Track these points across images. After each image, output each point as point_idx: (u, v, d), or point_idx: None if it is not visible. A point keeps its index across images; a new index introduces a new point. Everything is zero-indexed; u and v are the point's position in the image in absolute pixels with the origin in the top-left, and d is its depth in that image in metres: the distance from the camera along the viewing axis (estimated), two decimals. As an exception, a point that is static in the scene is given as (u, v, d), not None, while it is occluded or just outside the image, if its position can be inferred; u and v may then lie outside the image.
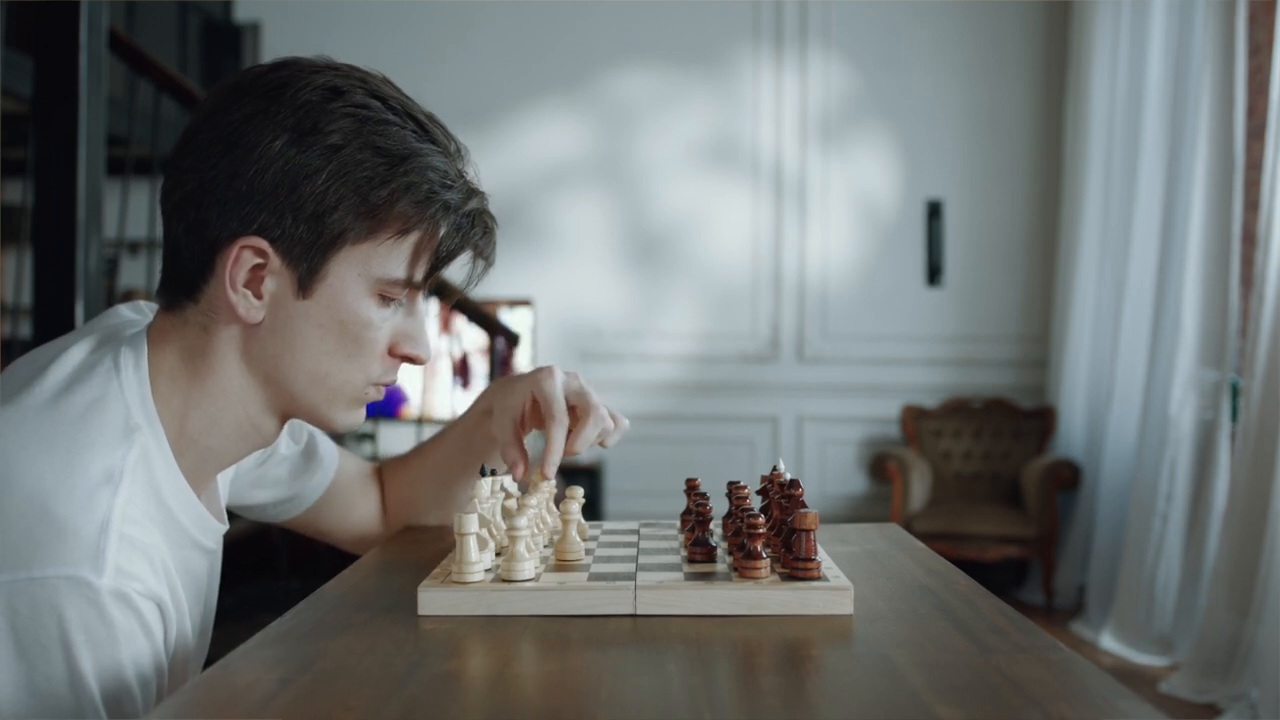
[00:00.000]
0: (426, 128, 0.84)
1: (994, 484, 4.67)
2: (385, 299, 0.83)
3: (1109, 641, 3.69)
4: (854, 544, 1.03)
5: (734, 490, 0.92)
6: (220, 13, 5.13)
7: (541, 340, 5.02)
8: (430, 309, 0.88)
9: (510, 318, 4.81)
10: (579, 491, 0.90)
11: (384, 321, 0.84)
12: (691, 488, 0.95)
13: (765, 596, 0.75)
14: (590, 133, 4.96)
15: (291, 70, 0.80)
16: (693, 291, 5.03)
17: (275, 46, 5.14)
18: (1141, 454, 3.77)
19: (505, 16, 5.04)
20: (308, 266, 0.80)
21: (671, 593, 0.76)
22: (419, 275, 0.83)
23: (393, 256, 0.81)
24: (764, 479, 0.94)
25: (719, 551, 0.85)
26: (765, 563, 0.78)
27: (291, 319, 0.81)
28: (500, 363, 3.66)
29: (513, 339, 3.38)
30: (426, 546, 1.03)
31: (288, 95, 0.78)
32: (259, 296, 0.80)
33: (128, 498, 0.74)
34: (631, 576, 0.79)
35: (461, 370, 4.51)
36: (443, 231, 0.83)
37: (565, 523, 0.86)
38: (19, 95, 2.80)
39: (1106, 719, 0.55)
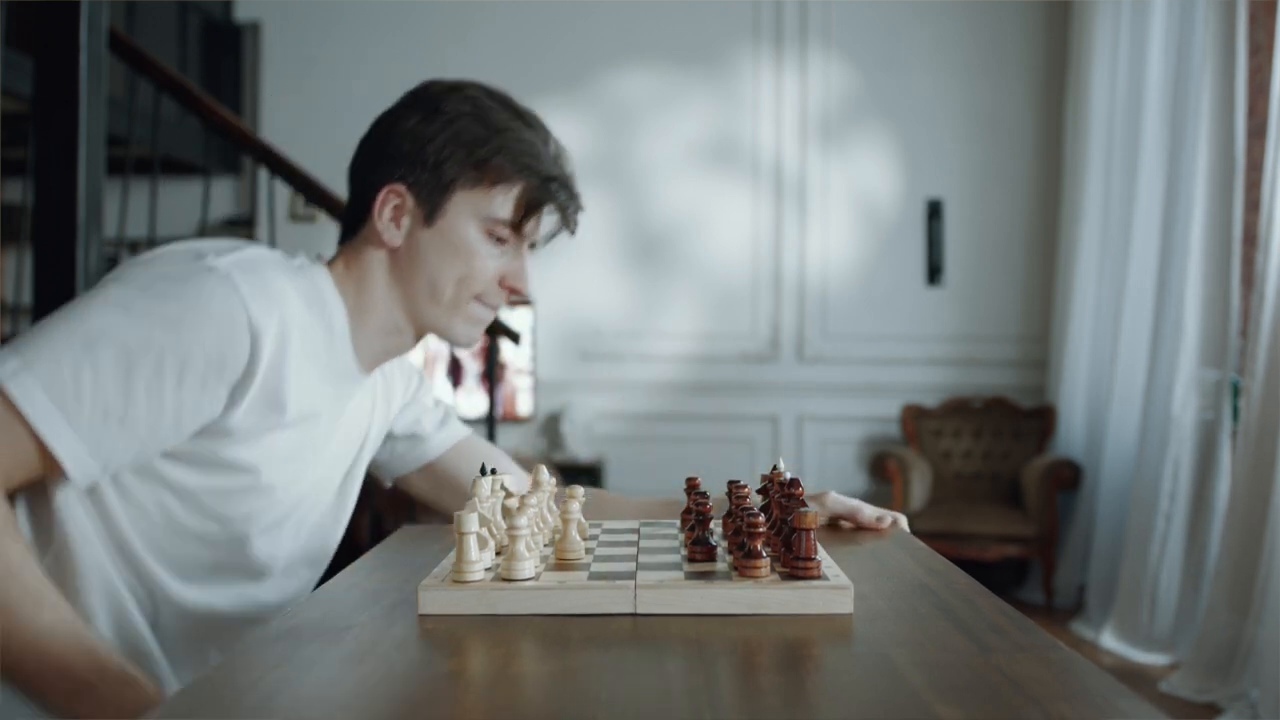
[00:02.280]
0: (523, 114, 1.13)
1: (994, 484, 4.67)
2: (492, 237, 1.11)
3: (1109, 641, 3.69)
4: (854, 543, 1.03)
5: (734, 490, 0.92)
6: (220, 13, 5.13)
7: (541, 340, 5.02)
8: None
9: (510, 317, 4.81)
10: (579, 491, 0.90)
11: (491, 256, 1.11)
12: (692, 487, 0.95)
13: (765, 596, 0.75)
14: (590, 133, 4.96)
15: (431, 81, 1.15)
16: (693, 291, 5.03)
17: (275, 46, 5.14)
18: (1142, 454, 3.77)
19: (505, 16, 5.04)
20: (431, 204, 1.09)
21: (672, 592, 0.76)
22: (516, 217, 1.10)
23: (495, 202, 1.10)
24: (764, 478, 0.94)
25: (719, 551, 0.85)
26: (765, 562, 0.78)
27: (419, 244, 1.10)
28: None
29: (513, 338, 3.38)
30: (426, 546, 1.03)
31: (422, 93, 1.13)
32: (398, 226, 1.11)
33: (294, 293, 1.04)
34: (632, 576, 0.79)
35: (454, 370, 4.51)
36: (533, 184, 1.10)
37: (565, 522, 0.86)
38: (19, 95, 2.80)
39: (1106, 718, 0.55)
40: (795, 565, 0.77)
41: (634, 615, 0.75)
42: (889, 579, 0.87)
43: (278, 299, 1.01)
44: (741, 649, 0.68)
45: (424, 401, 1.33)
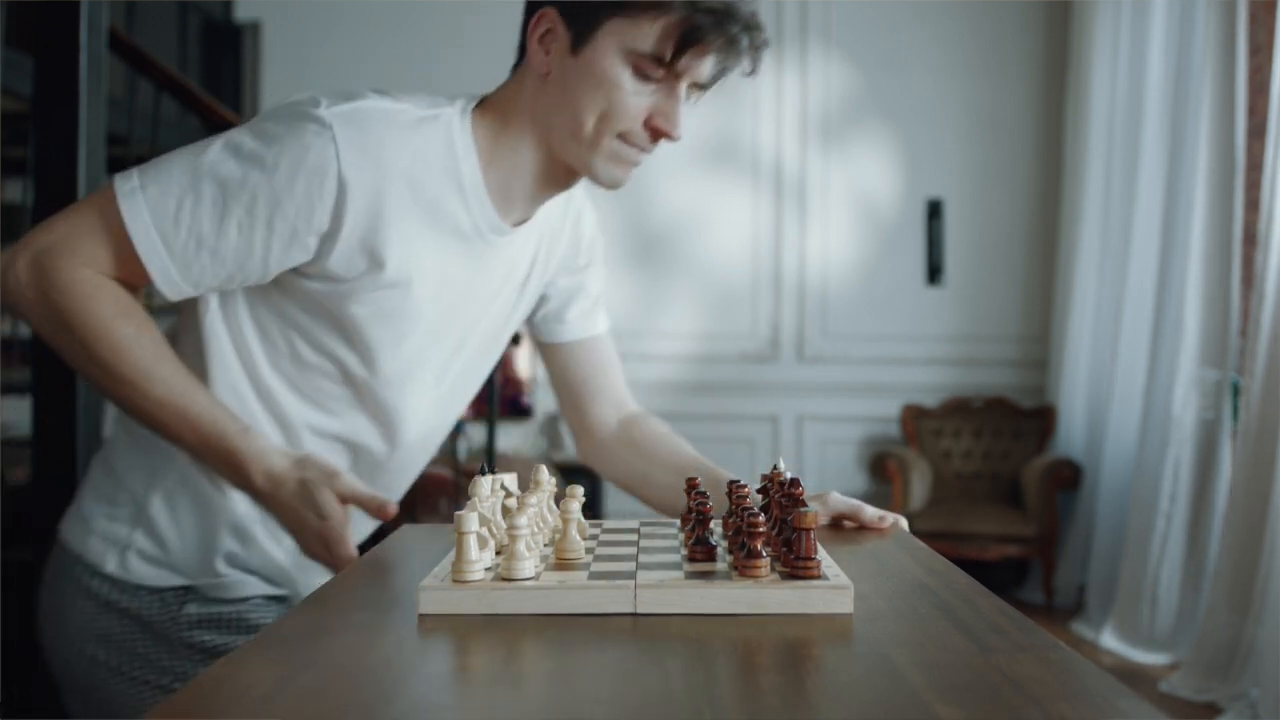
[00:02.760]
0: None
1: (994, 483, 4.67)
2: (640, 73, 1.03)
3: (1109, 641, 3.69)
4: (854, 543, 1.03)
5: (734, 489, 0.91)
6: (220, 12, 5.13)
7: (542, 340, 5.02)
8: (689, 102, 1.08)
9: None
10: (579, 490, 0.90)
11: (637, 93, 1.03)
12: (692, 486, 0.95)
13: (765, 595, 0.75)
14: (590, 132, 4.96)
15: None
16: (693, 291, 5.03)
17: (275, 46, 5.14)
18: (1142, 453, 3.76)
19: (505, 16, 5.03)
20: (578, 31, 1.03)
21: (672, 591, 0.76)
22: (667, 54, 1.01)
23: (645, 34, 1.01)
24: (764, 478, 0.94)
25: (719, 550, 0.85)
26: (765, 562, 0.78)
27: (566, 73, 1.05)
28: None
29: (513, 338, 3.38)
30: (426, 546, 1.03)
31: None
32: (547, 53, 1.06)
33: (406, 148, 1.05)
34: (632, 575, 0.79)
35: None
36: (685, 16, 0.99)
37: (565, 521, 0.86)
38: (19, 95, 2.80)
39: (1106, 718, 0.55)
40: (795, 565, 0.77)
41: (634, 615, 0.75)
42: (889, 579, 0.87)
43: (375, 152, 1.02)
44: (741, 649, 0.68)
45: (586, 281, 1.34)
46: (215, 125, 2.72)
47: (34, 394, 1.98)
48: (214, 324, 1.11)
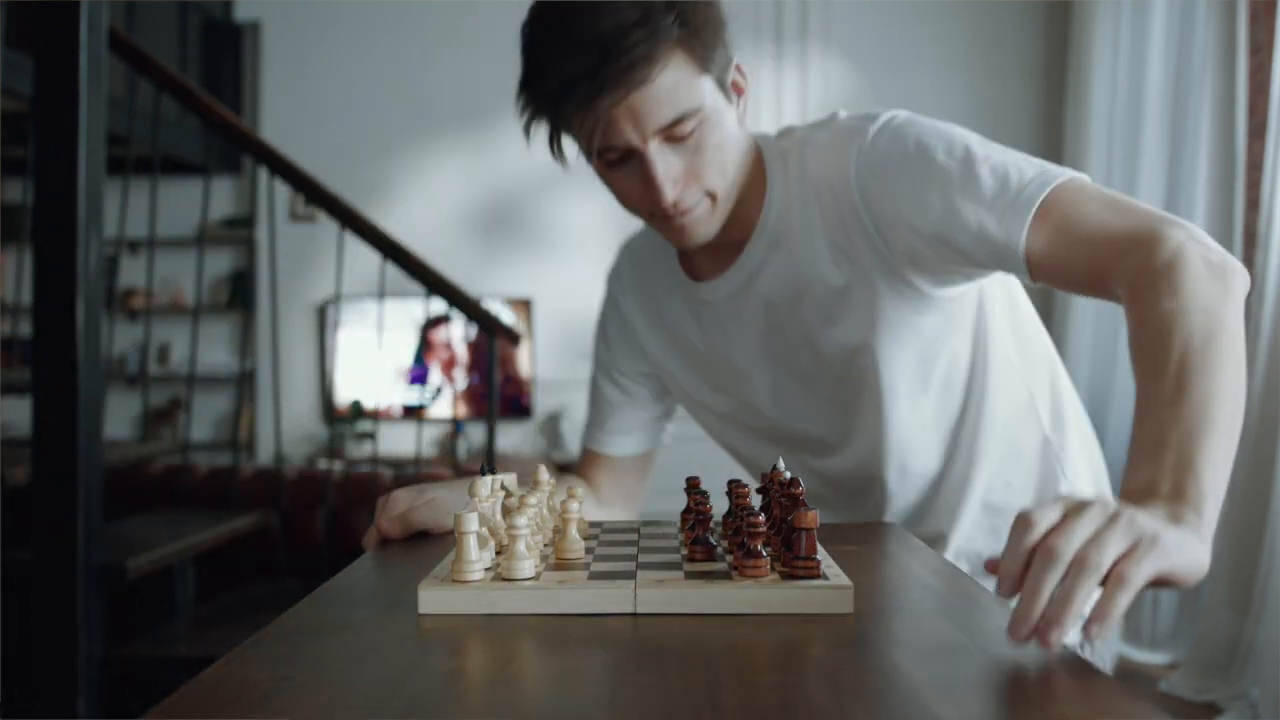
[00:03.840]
0: (545, 20, 0.99)
1: (994, 483, 4.66)
2: (606, 164, 1.01)
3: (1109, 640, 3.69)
4: (854, 543, 1.03)
5: (734, 489, 0.91)
6: (220, 12, 5.13)
7: (541, 340, 5.02)
8: (665, 159, 1.00)
9: (494, 307, 4.81)
10: (579, 490, 0.90)
11: (622, 179, 1.02)
12: (692, 486, 0.95)
13: (765, 595, 0.75)
14: (590, 132, 4.96)
15: None
16: (693, 291, 5.03)
17: (275, 46, 5.14)
18: (1142, 453, 3.76)
19: (504, 16, 5.03)
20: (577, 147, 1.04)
21: (672, 591, 0.76)
22: (588, 148, 1.00)
23: (576, 136, 1.01)
24: (764, 478, 0.94)
25: (719, 550, 0.85)
26: (765, 561, 0.78)
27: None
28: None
29: (514, 338, 3.38)
30: (426, 546, 1.03)
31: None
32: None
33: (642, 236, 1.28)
34: (632, 575, 0.79)
35: (451, 365, 4.50)
36: (562, 114, 0.98)
37: (565, 521, 0.86)
38: (19, 95, 2.80)
39: (1106, 718, 0.55)
40: (795, 565, 0.77)
41: (634, 615, 0.75)
42: (889, 579, 0.87)
43: (624, 252, 1.27)
44: (741, 649, 0.68)
45: (924, 221, 1.01)
46: (215, 125, 2.72)
47: (34, 394, 1.98)
48: None
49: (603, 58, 0.92)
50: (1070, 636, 0.67)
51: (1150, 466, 0.76)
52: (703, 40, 0.98)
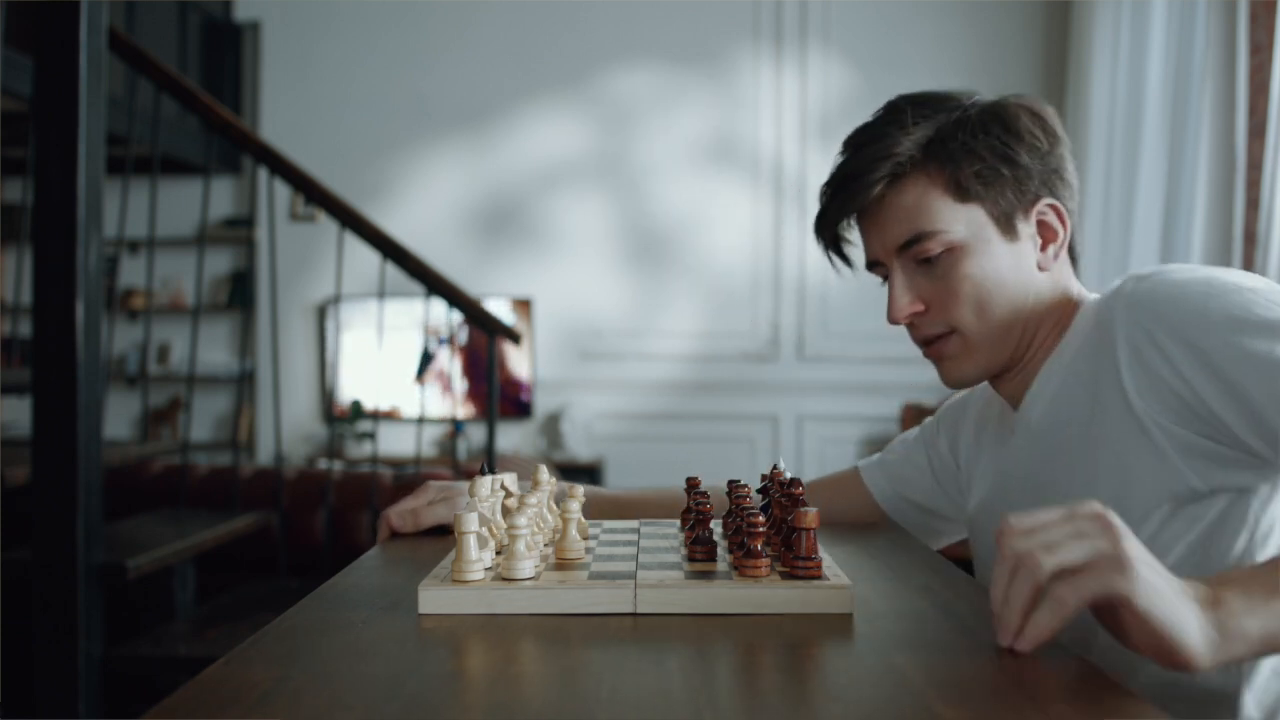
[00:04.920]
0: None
1: (994, 483, 4.66)
2: (880, 277, 1.04)
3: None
4: (854, 543, 1.03)
5: (734, 489, 0.91)
6: (220, 12, 5.13)
7: (541, 340, 5.02)
8: (899, 277, 1.04)
9: (494, 307, 4.80)
10: (579, 490, 0.90)
11: (887, 295, 1.02)
12: (692, 487, 0.95)
13: (765, 595, 0.75)
14: (590, 132, 4.96)
15: None
16: (692, 291, 5.03)
17: (275, 46, 5.14)
18: (1142, 453, 3.76)
19: (505, 16, 5.04)
20: None
21: (672, 591, 0.76)
22: (866, 259, 1.05)
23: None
24: (764, 477, 0.94)
25: (719, 550, 0.85)
26: (765, 561, 0.78)
27: None
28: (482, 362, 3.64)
29: (514, 338, 3.38)
30: (426, 545, 1.03)
31: None
32: None
33: None
34: (632, 575, 0.79)
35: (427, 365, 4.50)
36: (825, 237, 1.06)
37: (565, 521, 0.86)
38: (19, 95, 2.80)
39: (1106, 718, 0.55)
40: (795, 565, 0.77)
41: (634, 615, 0.75)
42: (889, 579, 0.87)
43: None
44: (741, 649, 0.68)
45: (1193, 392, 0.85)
46: (215, 125, 2.72)
47: (34, 394, 1.98)
48: None
49: (854, 172, 0.99)
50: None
51: (1221, 579, 0.67)
52: (958, 166, 0.97)
